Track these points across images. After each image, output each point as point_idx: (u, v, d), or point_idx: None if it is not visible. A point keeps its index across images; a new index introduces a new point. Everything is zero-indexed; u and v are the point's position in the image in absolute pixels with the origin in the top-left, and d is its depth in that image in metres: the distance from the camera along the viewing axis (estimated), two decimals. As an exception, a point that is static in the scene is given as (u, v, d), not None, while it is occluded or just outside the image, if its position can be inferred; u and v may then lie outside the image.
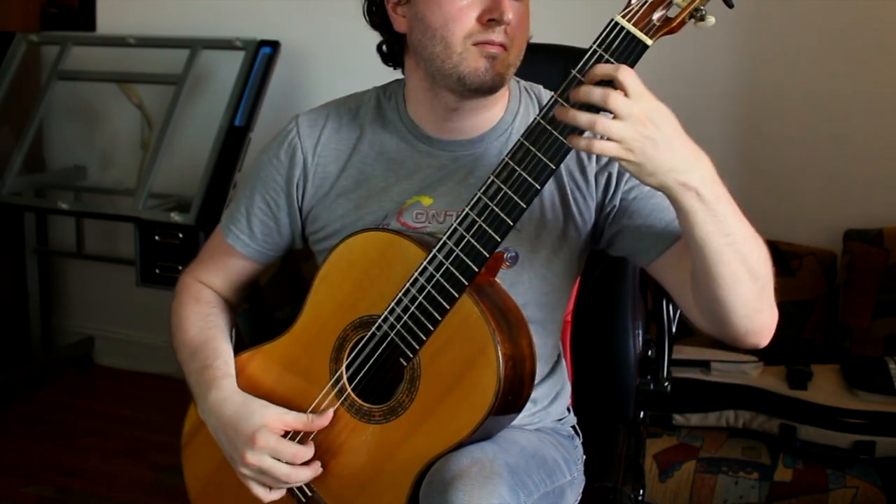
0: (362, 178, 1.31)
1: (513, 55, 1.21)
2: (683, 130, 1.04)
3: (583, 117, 1.01)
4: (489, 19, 1.17)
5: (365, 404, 1.19)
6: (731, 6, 1.04)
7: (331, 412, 1.20)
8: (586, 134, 1.03)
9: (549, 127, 1.06)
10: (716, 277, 1.10)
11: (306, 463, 1.20)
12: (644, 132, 1.00)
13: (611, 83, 1.01)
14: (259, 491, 1.22)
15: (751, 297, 1.12)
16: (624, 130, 1.00)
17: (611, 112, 1.00)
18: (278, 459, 1.19)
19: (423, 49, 1.22)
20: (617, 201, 1.26)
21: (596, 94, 1.01)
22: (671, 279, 1.23)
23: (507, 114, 1.31)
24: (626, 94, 1.00)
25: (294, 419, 1.21)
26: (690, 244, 1.10)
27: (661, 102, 1.03)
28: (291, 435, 1.22)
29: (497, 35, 1.18)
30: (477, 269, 1.10)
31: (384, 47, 1.34)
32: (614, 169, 1.26)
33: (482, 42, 1.18)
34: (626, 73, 1.01)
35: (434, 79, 1.23)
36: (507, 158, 1.09)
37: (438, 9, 1.18)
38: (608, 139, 1.01)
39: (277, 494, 1.23)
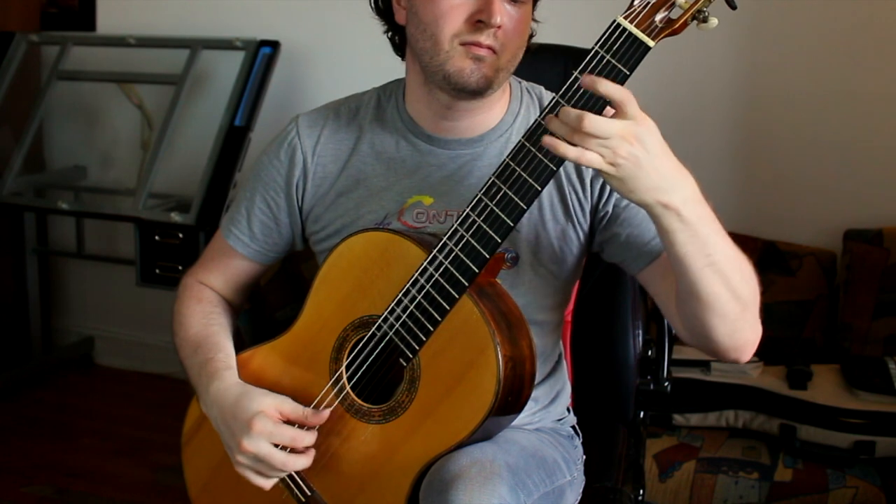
0: (362, 178, 1.31)
1: (504, 59, 1.20)
2: (669, 149, 1.04)
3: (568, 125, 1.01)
4: (478, 20, 1.17)
5: (364, 404, 1.19)
6: (733, 7, 1.03)
7: (328, 411, 1.20)
8: None
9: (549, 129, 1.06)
10: (696, 296, 1.11)
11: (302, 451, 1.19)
12: (629, 150, 1.00)
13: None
14: (257, 480, 1.20)
15: (732, 317, 1.12)
16: (603, 147, 0.99)
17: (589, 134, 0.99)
18: (276, 446, 1.17)
19: (416, 43, 1.23)
20: (610, 207, 1.26)
21: (571, 115, 1.00)
22: (657, 290, 1.24)
23: (507, 114, 1.31)
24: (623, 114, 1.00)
25: (291, 409, 1.19)
26: (671, 262, 1.11)
27: (649, 120, 1.02)
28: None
29: (485, 37, 1.17)
30: (477, 270, 1.09)
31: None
32: None
33: (469, 43, 1.18)
34: (628, 98, 1.00)
35: (426, 75, 1.24)
36: (507, 159, 1.09)
37: (431, 5, 1.19)
38: (595, 152, 1.00)
39: (273, 482, 1.21)
